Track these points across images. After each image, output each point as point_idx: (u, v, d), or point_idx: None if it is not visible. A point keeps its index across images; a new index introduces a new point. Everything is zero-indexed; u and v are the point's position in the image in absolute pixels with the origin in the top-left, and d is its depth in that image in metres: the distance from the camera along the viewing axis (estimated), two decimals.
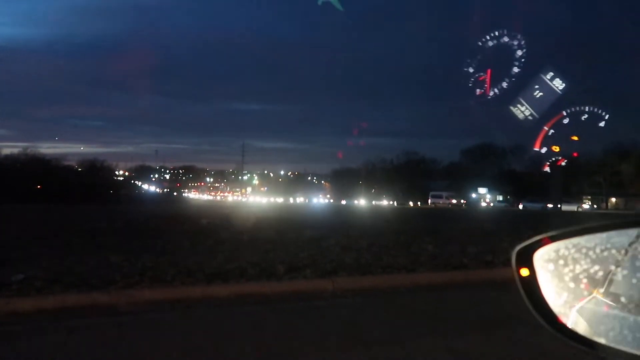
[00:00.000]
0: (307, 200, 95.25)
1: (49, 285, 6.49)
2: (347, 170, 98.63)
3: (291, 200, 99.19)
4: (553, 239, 0.89)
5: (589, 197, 69.15)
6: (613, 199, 61.79)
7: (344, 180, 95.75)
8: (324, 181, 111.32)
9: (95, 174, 69.18)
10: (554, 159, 63.30)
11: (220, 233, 13.24)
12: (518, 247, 0.94)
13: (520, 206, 63.27)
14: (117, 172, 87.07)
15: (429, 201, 71.91)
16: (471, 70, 30.87)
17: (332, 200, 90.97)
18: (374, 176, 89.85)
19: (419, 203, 76.01)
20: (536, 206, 58.56)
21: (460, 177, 77.55)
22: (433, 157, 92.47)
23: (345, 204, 79.29)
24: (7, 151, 60.48)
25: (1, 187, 48.00)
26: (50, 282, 6.61)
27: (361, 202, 79.83)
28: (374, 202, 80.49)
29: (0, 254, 8.72)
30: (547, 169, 65.54)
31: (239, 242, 11.43)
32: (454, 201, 70.09)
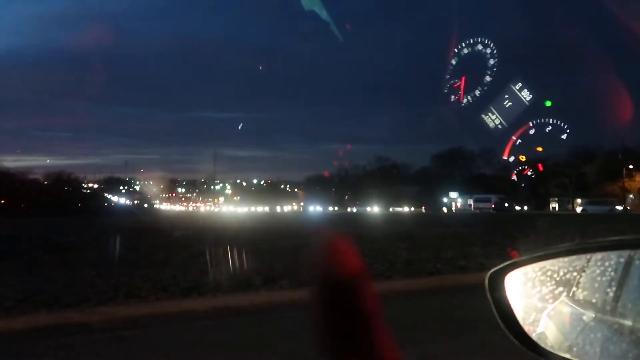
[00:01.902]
0: (301, 209, 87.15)
1: (19, 304, 6.33)
2: (321, 177, 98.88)
3: (279, 209, 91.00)
4: (522, 264, 0.97)
5: (556, 198, 71.07)
6: (579, 200, 63.64)
7: (317, 187, 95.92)
8: (297, 189, 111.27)
9: (62, 186, 67.37)
10: (520, 168, 64.84)
11: (194, 245, 13.11)
12: (491, 271, 1.02)
13: (579, 209, 56.29)
14: (85, 185, 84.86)
15: (472, 206, 63.13)
16: (447, 77, 31.56)
17: (336, 208, 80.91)
18: (347, 183, 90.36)
19: (453, 209, 66.49)
20: (603, 209, 50.60)
21: (432, 182, 78.59)
22: (404, 162, 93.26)
23: (357, 211, 70.87)
24: None
25: None
26: (20, 301, 6.45)
27: (374, 209, 69.84)
28: (392, 209, 71.26)
29: None
30: (514, 177, 67.06)
31: (214, 254, 11.35)
32: (506, 205, 59.20)
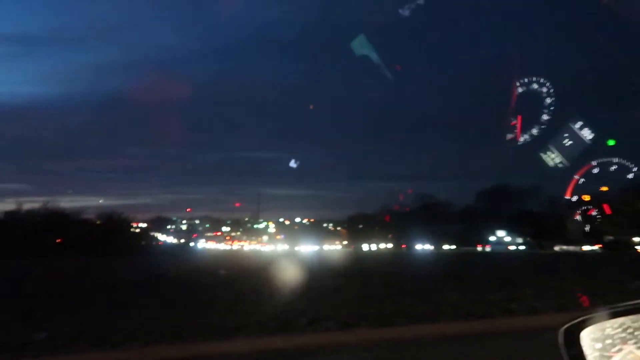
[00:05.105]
0: (403, 247, 76.63)
1: (70, 343, 6.47)
2: (363, 215, 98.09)
3: (366, 247, 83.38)
4: (599, 319, 0.90)
5: (611, 237, 67.62)
6: (635, 239, 60.07)
7: (359, 226, 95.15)
8: (340, 227, 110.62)
9: (113, 226, 69.75)
10: (584, 207, 62.15)
11: (239, 284, 13.17)
12: (565, 326, 0.95)
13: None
14: (134, 224, 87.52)
15: None
16: (502, 115, 31.01)
17: (456, 247, 73.01)
18: (390, 221, 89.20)
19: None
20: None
21: (477, 220, 76.48)
22: (448, 199, 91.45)
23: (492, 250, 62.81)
24: (28, 206, 61.39)
25: (23, 241, 48.67)
26: (72, 340, 6.60)
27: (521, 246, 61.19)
28: (558, 248, 61.55)
29: (24, 311, 8.77)
30: (577, 217, 64.17)
31: (259, 293, 11.33)
32: None
